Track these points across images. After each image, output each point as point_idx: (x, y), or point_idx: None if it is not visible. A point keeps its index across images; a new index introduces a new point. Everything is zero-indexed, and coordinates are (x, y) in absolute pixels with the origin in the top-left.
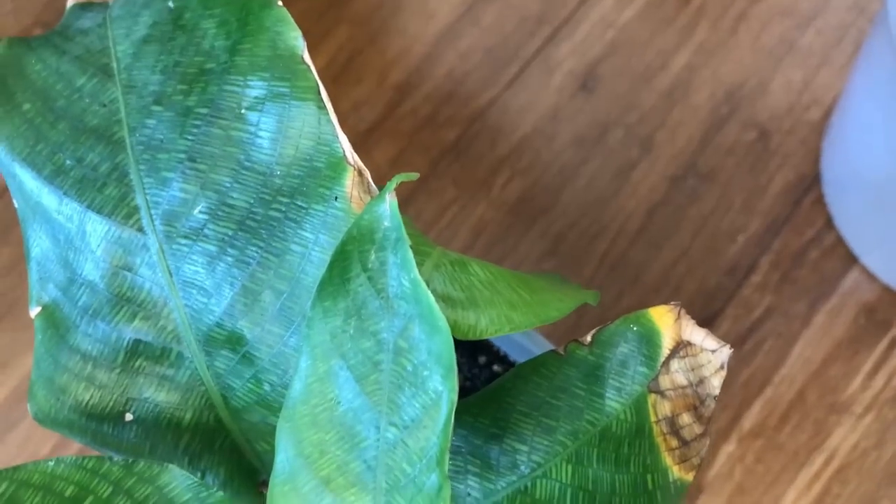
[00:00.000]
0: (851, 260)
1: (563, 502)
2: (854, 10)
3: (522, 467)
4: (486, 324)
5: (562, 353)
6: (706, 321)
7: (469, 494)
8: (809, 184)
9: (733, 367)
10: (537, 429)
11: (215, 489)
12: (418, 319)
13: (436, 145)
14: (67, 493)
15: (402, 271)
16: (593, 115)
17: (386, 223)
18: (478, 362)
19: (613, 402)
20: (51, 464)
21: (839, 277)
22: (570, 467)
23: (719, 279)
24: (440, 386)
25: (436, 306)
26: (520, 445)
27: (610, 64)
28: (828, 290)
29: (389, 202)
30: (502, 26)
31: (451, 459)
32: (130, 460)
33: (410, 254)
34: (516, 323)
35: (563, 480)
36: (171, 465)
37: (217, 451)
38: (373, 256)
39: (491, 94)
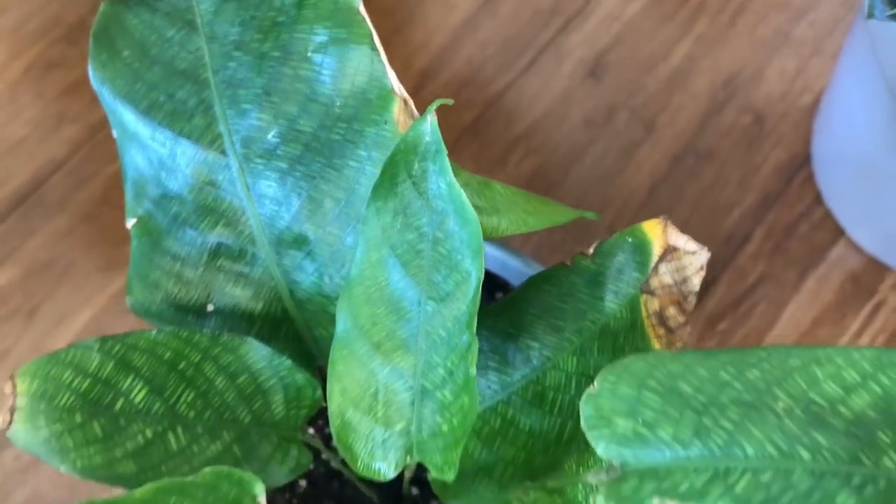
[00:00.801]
0: (839, 232)
1: (568, 388)
2: (845, 5)
3: (535, 361)
4: (506, 225)
5: (568, 264)
6: (704, 286)
7: (489, 387)
8: (801, 163)
9: (729, 327)
10: (548, 328)
11: (285, 358)
12: (453, 214)
13: (456, 126)
14: (166, 356)
15: (440, 176)
16: (601, 99)
17: (427, 138)
18: (494, 298)
19: (611, 303)
20: (153, 332)
21: (827, 248)
22: (574, 359)
23: (716, 248)
24: (470, 266)
25: (468, 203)
26: (533, 343)
27: (617, 53)
28: (817, 259)
29: (430, 121)
30: (518, 18)
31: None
32: (217, 332)
33: (447, 162)
34: (531, 224)
35: (569, 370)
36: (249, 338)
37: (282, 338)
38: (416, 165)
39: (507, 79)
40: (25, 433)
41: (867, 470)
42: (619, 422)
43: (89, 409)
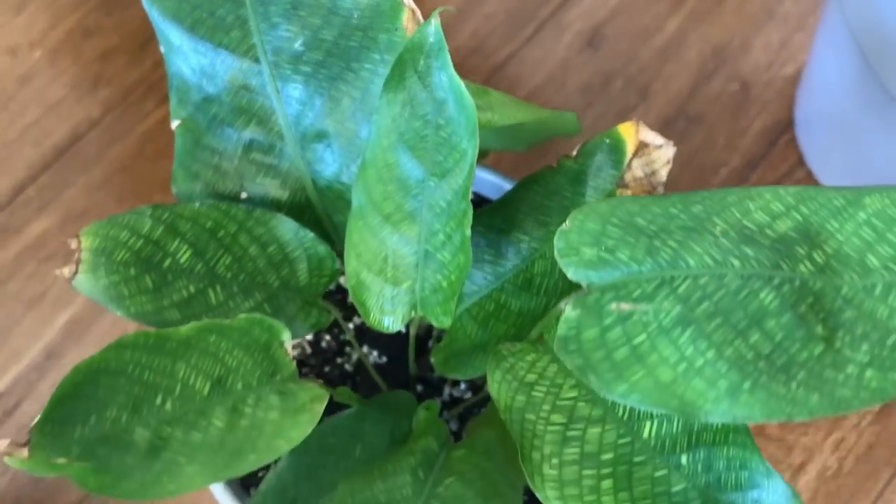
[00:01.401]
0: None
1: (553, 272)
2: None
3: (524, 252)
4: (498, 118)
5: (555, 166)
6: None
7: (485, 278)
8: (784, 127)
9: None
10: (536, 223)
11: (309, 231)
12: (453, 102)
13: None
14: (207, 225)
15: (442, 70)
16: (598, 67)
17: (431, 38)
18: None
19: (591, 198)
20: (197, 204)
21: None
22: None
23: None
24: (467, 146)
25: (465, 92)
26: (523, 236)
27: (613, 25)
28: None
29: (434, 24)
30: None
31: (471, 251)
32: (251, 207)
33: (449, 58)
34: (520, 117)
35: (554, 258)
36: (279, 214)
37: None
38: (422, 62)
39: (510, 49)
40: (87, 282)
41: (785, 274)
42: (585, 250)
43: (142, 265)
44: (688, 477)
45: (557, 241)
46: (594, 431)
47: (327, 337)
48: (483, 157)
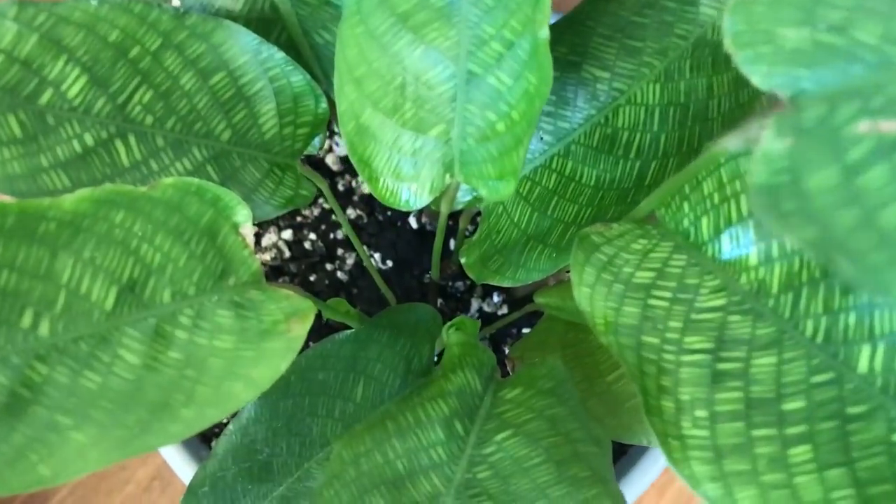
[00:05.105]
0: None
1: (649, 124)
2: None
3: (602, 97)
4: None
5: None
6: None
7: (540, 139)
8: None
9: None
10: (621, 52)
11: (277, 50)
12: None
13: None
14: (111, 37)
15: None
16: None
17: None
18: None
19: (708, 7)
20: (94, 3)
21: None
22: (657, 87)
23: None
24: None
25: None
26: (601, 73)
27: None
28: None
29: None
30: None
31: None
32: (182, 11)
33: None
34: None
35: (651, 102)
36: (227, 21)
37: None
38: None
39: None
40: None
41: None
42: (786, 34)
43: (4, 99)
44: None
45: (732, 20)
46: (765, 363)
47: (312, 235)
48: None
